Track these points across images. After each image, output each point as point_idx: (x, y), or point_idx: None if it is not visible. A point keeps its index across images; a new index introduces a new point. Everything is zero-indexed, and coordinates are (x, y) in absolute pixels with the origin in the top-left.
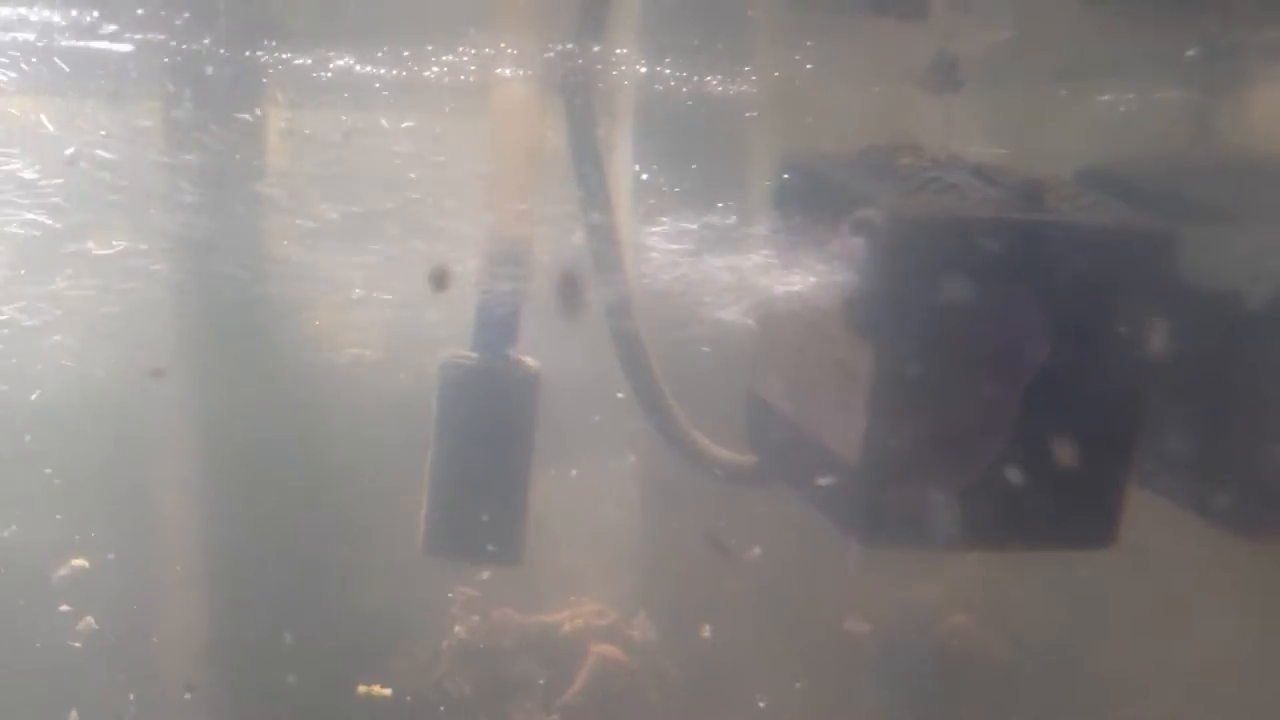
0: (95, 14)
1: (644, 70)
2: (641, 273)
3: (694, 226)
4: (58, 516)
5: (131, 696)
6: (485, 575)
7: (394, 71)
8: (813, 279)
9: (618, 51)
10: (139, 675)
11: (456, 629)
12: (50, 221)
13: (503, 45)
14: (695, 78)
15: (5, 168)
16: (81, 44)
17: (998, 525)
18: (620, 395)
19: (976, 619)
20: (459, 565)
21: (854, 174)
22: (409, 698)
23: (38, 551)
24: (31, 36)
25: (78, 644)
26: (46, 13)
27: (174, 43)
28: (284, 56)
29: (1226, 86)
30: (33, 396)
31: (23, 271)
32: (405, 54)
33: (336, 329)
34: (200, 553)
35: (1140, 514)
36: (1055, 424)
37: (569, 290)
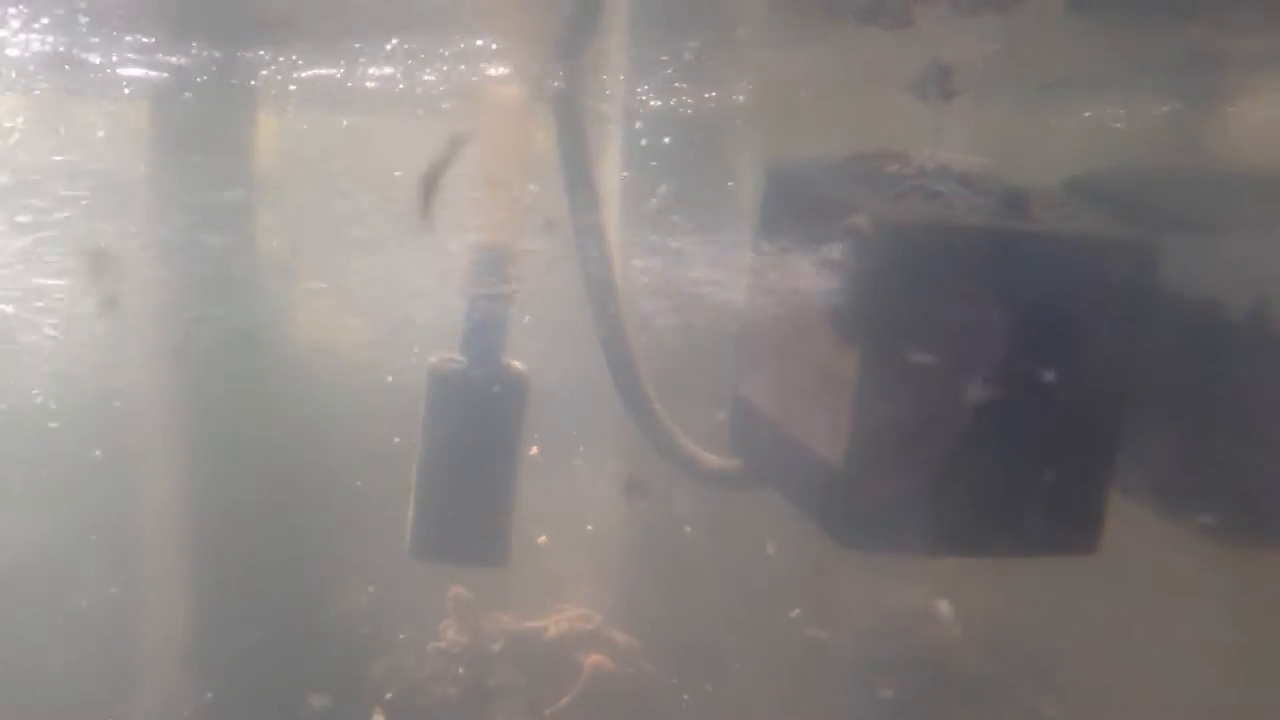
0: (85, 19)
1: (633, 79)
2: (629, 277)
3: (681, 232)
4: (45, 520)
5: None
6: (472, 579)
7: (384, 74)
8: (799, 284)
9: (606, 61)
10: (128, 677)
11: (448, 632)
12: (46, 220)
13: (493, 48)
14: (684, 86)
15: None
16: (70, 40)
17: (979, 530)
18: (608, 399)
19: (957, 626)
20: (447, 568)
21: (841, 181)
22: (393, 701)
23: (26, 554)
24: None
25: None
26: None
27: (165, 46)
28: (274, 59)
29: (1210, 97)
30: (17, 398)
31: (18, 269)
32: (394, 58)
33: (325, 331)
34: (186, 555)
35: (1121, 523)
36: (1037, 430)
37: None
